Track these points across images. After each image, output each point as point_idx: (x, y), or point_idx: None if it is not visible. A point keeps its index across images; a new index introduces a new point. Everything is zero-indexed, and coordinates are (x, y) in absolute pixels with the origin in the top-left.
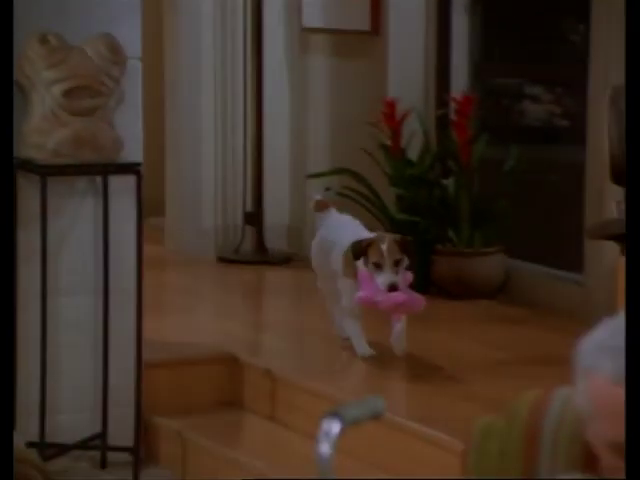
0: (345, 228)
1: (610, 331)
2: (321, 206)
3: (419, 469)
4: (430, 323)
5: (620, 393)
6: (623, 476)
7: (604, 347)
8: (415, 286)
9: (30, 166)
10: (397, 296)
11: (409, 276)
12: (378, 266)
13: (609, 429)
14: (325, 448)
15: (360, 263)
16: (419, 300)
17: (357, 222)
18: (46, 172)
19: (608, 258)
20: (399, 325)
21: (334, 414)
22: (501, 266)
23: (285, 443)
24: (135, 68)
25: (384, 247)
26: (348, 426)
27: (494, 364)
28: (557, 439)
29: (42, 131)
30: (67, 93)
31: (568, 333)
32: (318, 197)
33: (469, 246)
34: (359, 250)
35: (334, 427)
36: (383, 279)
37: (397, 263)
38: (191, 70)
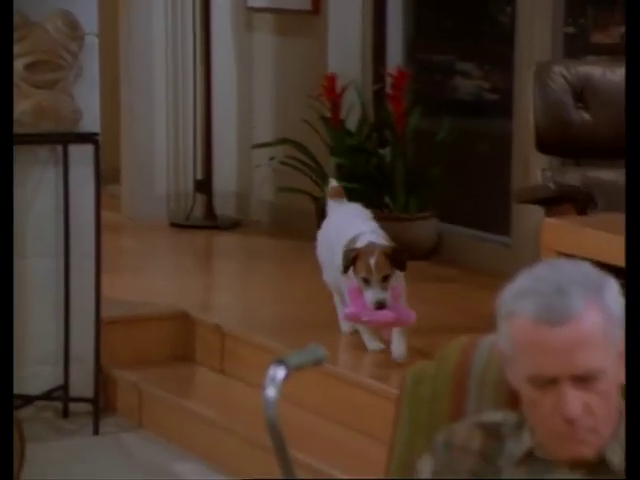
0: (349, 222)
1: (529, 278)
2: (337, 193)
3: (359, 416)
4: None
5: (538, 331)
6: (541, 410)
7: (524, 292)
8: None
9: None
10: (385, 314)
11: (400, 288)
12: (366, 281)
13: (528, 365)
14: (271, 392)
15: (350, 273)
16: (409, 316)
17: (365, 215)
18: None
19: (533, 221)
20: (396, 334)
21: (279, 361)
22: (434, 230)
23: (234, 393)
24: (92, 44)
25: (372, 261)
26: (292, 372)
27: (427, 318)
28: (484, 381)
29: None
30: (29, 67)
31: (495, 290)
32: (334, 184)
33: (404, 211)
34: (347, 261)
35: (279, 373)
36: (371, 296)
37: (386, 278)
38: (144, 47)
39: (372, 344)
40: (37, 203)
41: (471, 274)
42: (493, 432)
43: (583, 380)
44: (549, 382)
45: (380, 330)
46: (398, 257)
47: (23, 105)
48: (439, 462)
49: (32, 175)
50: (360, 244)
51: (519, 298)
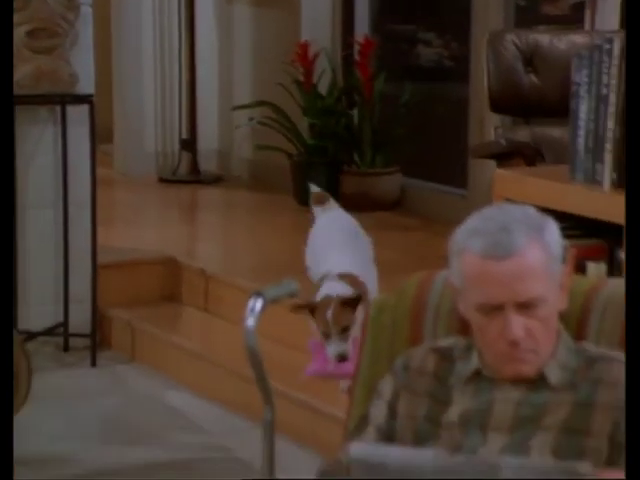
0: (324, 252)
1: (478, 219)
2: (319, 199)
3: None
4: None
5: (485, 265)
6: (488, 334)
7: (473, 231)
8: None
9: None
10: (348, 366)
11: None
12: (326, 335)
13: (477, 295)
14: (251, 322)
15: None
16: None
17: (342, 236)
18: (14, 101)
19: (487, 175)
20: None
21: (257, 293)
22: (398, 184)
23: (216, 329)
24: (87, 14)
25: (329, 314)
26: (269, 303)
27: (391, 263)
28: (438, 311)
29: None
30: (29, 34)
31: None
32: (316, 189)
33: (371, 167)
34: (302, 309)
35: (258, 304)
36: (332, 350)
37: (346, 329)
38: (134, 17)
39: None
40: (37, 158)
41: (431, 223)
42: (445, 355)
43: (525, 307)
44: (495, 309)
45: (344, 380)
46: (356, 303)
47: (24, 69)
48: (398, 383)
49: (33, 133)
50: (318, 296)
51: (469, 236)
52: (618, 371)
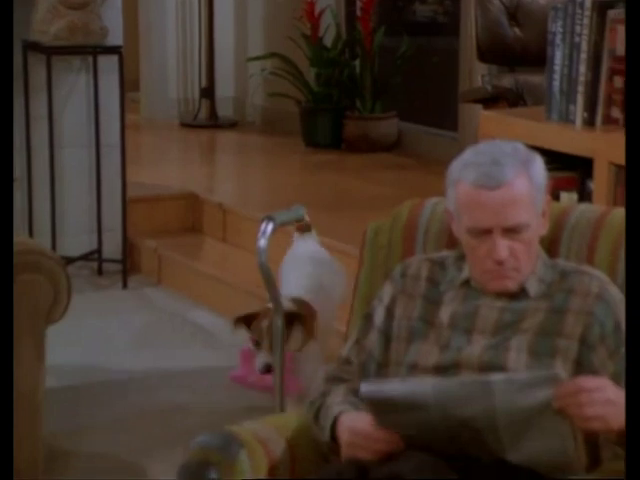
0: (287, 277)
1: (471, 152)
2: (302, 228)
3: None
4: (342, 170)
5: (477, 193)
6: (477, 254)
7: (467, 163)
8: (330, 144)
9: (38, 48)
10: (271, 379)
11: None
12: (258, 344)
13: (469, 219)
14: (263, 242)
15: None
16: (295, 384)
17: (309, 266)
18: (51, 52)
19: (475, 118)
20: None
21: (269, 217)
22: (395, 127)
23: (232, 256)
24: None
25: (265, 323)
26: (278, 226)
27: (389, 197)
28: (428, 231)
29: (46, 21)
30: None
31: (444, 175)
32: (303, 219)
33: (371, 112)
34: (241, 322)
35: (269, 226)
36: (259, 360)
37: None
38: None
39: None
40: (72, 104)
41: (425, 163)
42: (439, 263)
43: (511, 232)
44: (484, 233)
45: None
46: (294, 321)
47: (59, 23)
48: (396, 289)
49: (67, 80)
50: (260, 307)
51: (464, 168)
52: (588, 282)
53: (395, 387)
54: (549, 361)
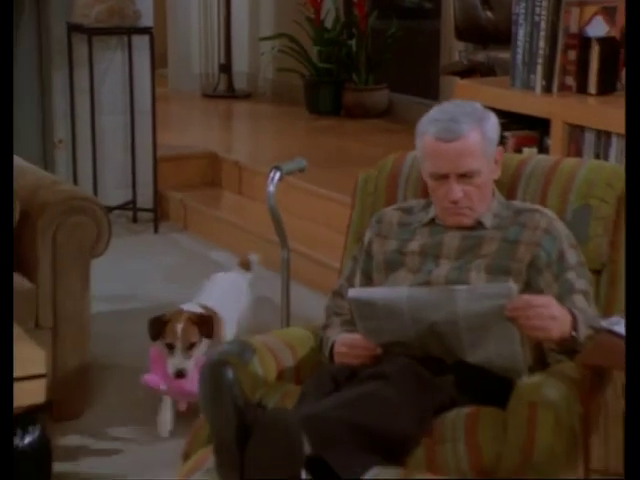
0: (203, 290)
1: (436, 110)
2: (244, 264)
3: (327, 218)
4: (340, 133)
5: (437, 145)
6: (438, 194)
7: (431, 119)
8: (331, 111)
9: (80, 29)
10: (184, 384)
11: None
12: (170, 347)
13: (430, 166)
14: (271, 188)
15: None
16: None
17: (225, 290)
18: (91, 32)
19: (453, 88)
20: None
21: (276, 167)
22: (386, 97)
23: (247, 206)
24: None
25: (179, 327)
26: (284, 174)
27: (379, 156)
28: (409, 179)
29: (87, 5)
30: None
31: None
32: (250, 258)
33: (365, 84)
34: (157, 328)
35: (276, 175)
36: (172, 364)
37: (192, 346)
38: None
39: (162, 426)
40: (110, 77)
41: (411, 127)
42: (408, 210)
43: (464, 177)
44: (442, 177)
45: (178, 399)
46: (206, 324)
47: (99, 7)
48: (373, 233)
49: (106, 57)
50: (171, 311)
51: (428, 123)
52: (538, 219)
53: (376, 292)
54: (504, 279)
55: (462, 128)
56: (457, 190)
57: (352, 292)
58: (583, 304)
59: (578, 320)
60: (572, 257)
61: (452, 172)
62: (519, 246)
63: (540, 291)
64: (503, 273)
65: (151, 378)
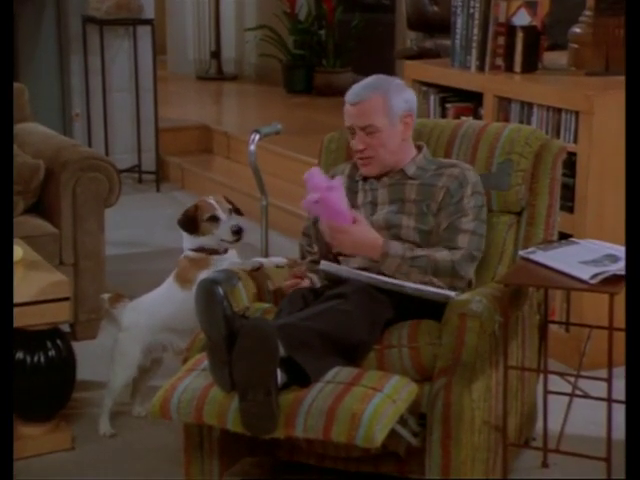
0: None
1: (357, 84)
2: (115, 300)
3: (300, 176)
4: (312, 108)
5: (348, 107)
6: (351, 146)
7: (352, 90)
8: (304, 90)
9: (93, 20)
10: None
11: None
12: (214, 219)
13: (347, 122)
14: (252, 147)
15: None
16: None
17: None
18: (102, 23)
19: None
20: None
21: (256, 130)
22: (351, 78)
23: (234, 168)
24: None
25: (211, 199)
26: (263, 136)
27: (342, 126)
28: None
29: (99, 0)
30: None
31: None
32: (107, 295)
33: (333, 68)
34: (190, 217)
35: (256, 137)
36: (225, 227)
37: (231, 212)
38: None
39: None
40: (118, 61)
41: None
42: (355, 165)
43: (366, 131)
44: (352, 133)
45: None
46: (231, 202)
47: (109, 2)
48: None
49: (115, 44)
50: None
51: (347, 94)
52: (453, 170)
53: (342, 270)
54: (430, 219)
55: (365, 94)
56: (359, 141)
57: (323, 265)
58: (463, 243)
59: (390, 248)
60: (470, 202)
61: (355, 125)
62: (434, 190)
63: (431, 224)
64: (429, 213)
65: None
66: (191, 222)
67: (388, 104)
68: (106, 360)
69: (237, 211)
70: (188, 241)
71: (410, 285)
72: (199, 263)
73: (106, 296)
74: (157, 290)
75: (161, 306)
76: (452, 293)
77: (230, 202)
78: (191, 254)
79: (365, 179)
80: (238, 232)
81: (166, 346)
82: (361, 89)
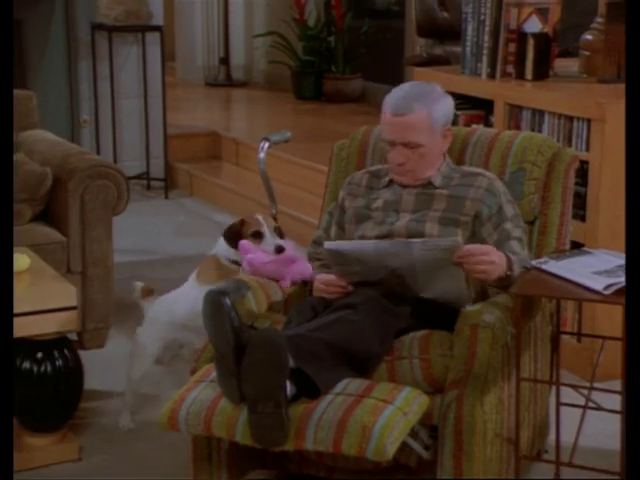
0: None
1: (395, 90)
2: (145, 293)
3: (309, 184)
4: (321, 115)
5: (390, 117)
6: (389, 157)
7: (391, 96)
8: (313, 97)
9: (102, 27)
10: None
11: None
12: (258, 235)
13: (384, 133)
14: (261, 155)
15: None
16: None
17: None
18: (112, 30)
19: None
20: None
21: (265, 138)
22: (360, 84)
23: (243, 175)
24: None
25: (259, 216)
26: (272, 143)
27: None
28: (375, 148)
29: (108, 7)
30: None
31: None
32: (140, 285)
33: (343, 74)
34: (235, 230)
35: (265, 144)
36: (267, 243)
37: (275, 230)
38: None
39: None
40: (127, 67)
41: (380, 111)
42: (374, 174)
43: (408, 146)
44: (391, 144)
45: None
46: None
47: (118, 9)
48: (345, 192)
49: (124, 51)
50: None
51: (388, 99)
52: (481, 180)
53: (347, 244)
54: (454, 230)
55: (411, 106)
56: (400, 155)
57: (328, 245)
58: (518, 248)
59: (513, 262)
60: (509, 210)
61: (397, 140)
62: (465, 202)
63: (483, 239)
64: (453, 225)
65: (254, 256)
66: (235, 235)
67: (431, 118)
68: (114, 369)
69: (280, 233)
70: (225, 250)
71: (416, 241)
72: (228, 272)
73: (139, 285)
74: (180, 287)
75: (181, 303)
76: (457, 238)
77: (276, 222)
78: (223, 260)
79: (388, 184)
80: (279, 250)
81: (183, 344)
82: (405, 100)
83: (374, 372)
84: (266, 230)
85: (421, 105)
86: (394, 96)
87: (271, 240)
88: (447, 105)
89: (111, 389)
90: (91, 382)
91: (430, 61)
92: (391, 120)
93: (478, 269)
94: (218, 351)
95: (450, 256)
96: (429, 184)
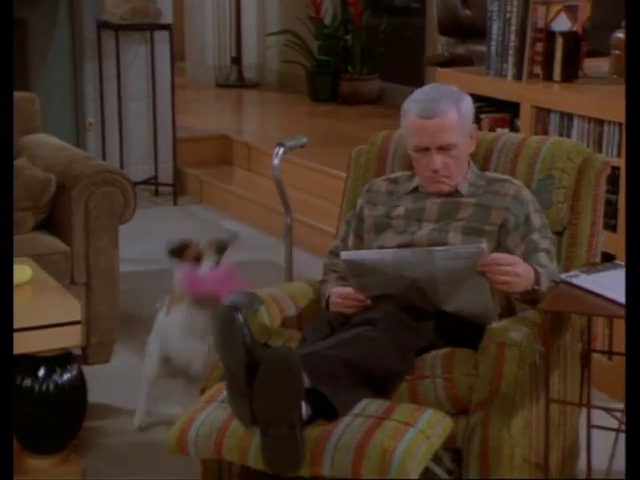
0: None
1: (418, 92)
2: (174, 301)
3: (325, 190)
4: (337, 117)
5: (419, 121)
6: (420, 165)
7: (414, 100)
8: (329, 98)
9: (108, 25)
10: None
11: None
12: (198, 258)
13: (414, 140)
14: (276, 161)
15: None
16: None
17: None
18: (118, 28)
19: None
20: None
21: (280, 143)
22: (378, 85)
23: (255, 181)
24: None
25: (202, 241)
26: (287, 149)
27: (371, 136)
28: (395, 154)
29: (115, 5)
30: None
31: None
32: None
33: (360, 75)
34: (181, 248)
35: (280, 150)
36: (206, 265)
37: (217, 252)
38: None
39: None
40: (134, 67)
41: (400, 112)
42: (394, 180)
43: (443, 149)
44: (424, 150)
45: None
46: (221, 244)
47: (125, 7)
48: (364, 200)
49: (131, 50)
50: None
51: (411, 103)
52: (508, 187)
53: (366, 254)
54: (478, 240)
55: (441, 107)
56: (437, 161)
57: (345, 255)
58: (546, 261)
59: (540, 275)
60: (537, 220)
61: (432, 145)
62: (491, 211)
63: (509, 250)
64: (477, 234)
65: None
66: (180, 249)
67: (462, 116)
68: (120, 385)
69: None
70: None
71: (438, 249)
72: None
73: (169, 296)
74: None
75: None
76: (482, 245)
77: (220, 245)
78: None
79: (412, 191)
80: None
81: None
82: (432, 102)
83: (394, 392)
84: (206, 253)
85: (449, 105)
86: (417, 99)
87: (208, 263)
88: (470, 104)
89: (117, 406)
90: (96, 399)
91: (452, 61)
92: (422, 124)
93: (501, 279)
94: (229, 369)
95: (474, 265)
96: (456, 192)
